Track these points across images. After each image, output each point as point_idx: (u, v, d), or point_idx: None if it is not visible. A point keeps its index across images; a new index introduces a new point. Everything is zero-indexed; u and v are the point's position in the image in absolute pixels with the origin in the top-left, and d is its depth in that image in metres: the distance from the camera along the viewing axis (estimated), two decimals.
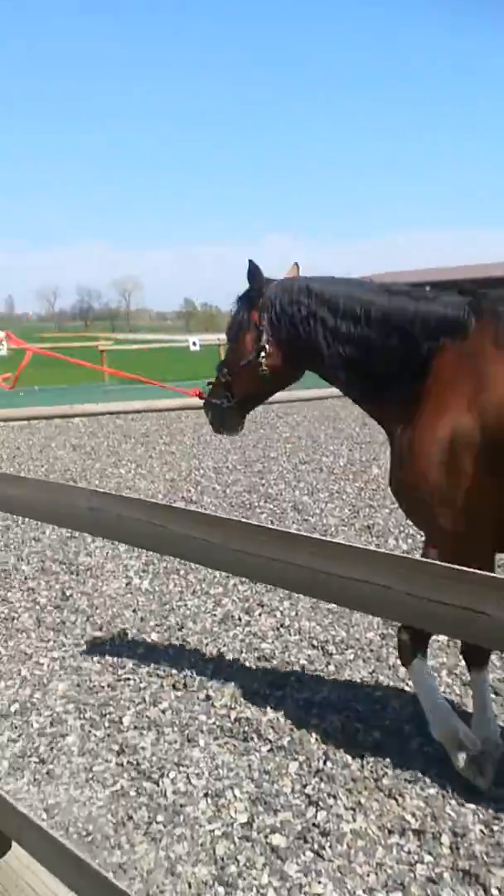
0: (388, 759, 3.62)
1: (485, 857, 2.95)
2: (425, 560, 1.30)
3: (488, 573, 1.23)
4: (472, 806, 3.26)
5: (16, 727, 4.10)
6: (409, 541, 7.00)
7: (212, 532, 1.50)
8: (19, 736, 4.02)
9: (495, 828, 3.13)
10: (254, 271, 3.80)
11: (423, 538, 3.46)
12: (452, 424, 3.16)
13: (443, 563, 1.24)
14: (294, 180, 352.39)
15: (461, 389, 3.20)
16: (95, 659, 4.85)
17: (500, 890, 2.78)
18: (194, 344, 22.90)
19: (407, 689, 4.29)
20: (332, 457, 11.38)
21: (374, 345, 3.46)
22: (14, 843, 2.31)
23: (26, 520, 8.03)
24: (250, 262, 3.81)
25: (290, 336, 3.68)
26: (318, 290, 3.61)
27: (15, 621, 5.50)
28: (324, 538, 1.40)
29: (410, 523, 7.53)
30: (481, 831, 3.11)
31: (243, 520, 1.50)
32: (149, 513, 1.64)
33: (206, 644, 4.97)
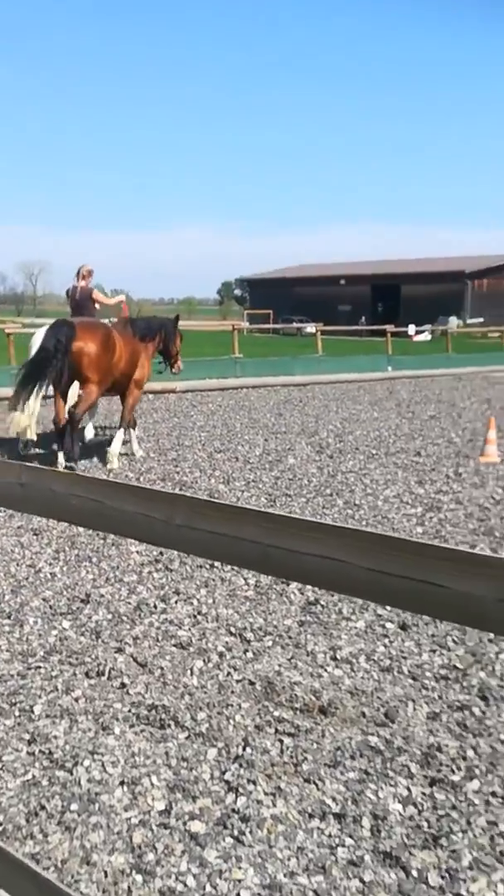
0: (307, 745, 3.61)
1: (405, 840, 2.96)
2: (384, 534, 1.26)
3: (444, 546, 1.20)
4: (392, 789, 3.27)
5: None
6: None
7: (154, 507, 1.43)
8: None
9: (416, 810, 3.15)
10: None
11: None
12: None
13: (400, 537, 1.22)
14: (211, 166, 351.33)
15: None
16: (4, 647, 4.70)
17: (420, 871, 2.79)
18: None
19: (325, 673, 4.30)
20: (248, 446, 11.37)
21: None
22: None
23: None
24: None
25: None
26: None
27: None
28: (274, 512, 1.35)
29: (328, 511, 7.65)
30: (401, 813, 3.12)
31: (188, 494, 1.45)
32: (84, 487, 1.55)
33: (121, 632, 4.87)
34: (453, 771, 3.38)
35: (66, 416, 9.49)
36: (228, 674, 4.33)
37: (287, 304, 64.29)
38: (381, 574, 1.20)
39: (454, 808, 3.14)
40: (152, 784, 3.33)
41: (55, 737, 3.71)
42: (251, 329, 44.26)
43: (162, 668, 4.38)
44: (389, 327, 28.87)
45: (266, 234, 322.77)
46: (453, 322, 50.86)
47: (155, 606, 5.29)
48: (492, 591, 1.14)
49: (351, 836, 2.98)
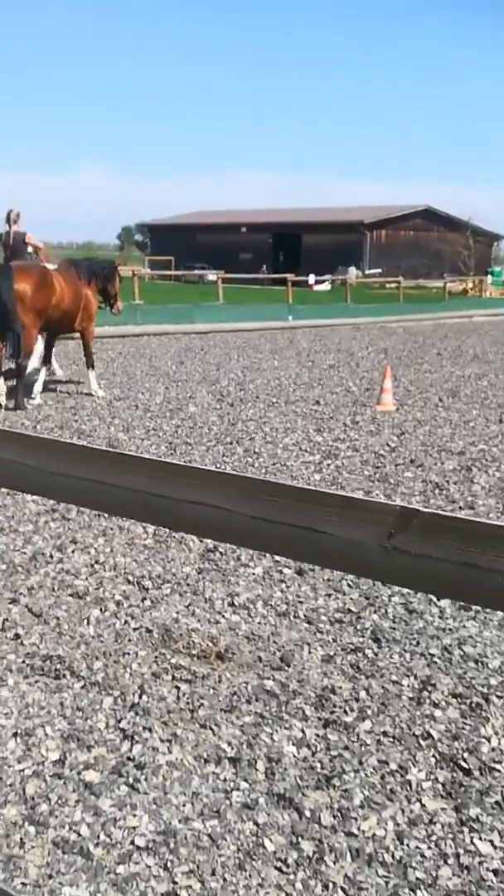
0: (203, 691, 3.62)
1: (299, 781, 3.01)
2: (266, 480, 1.22)
3: (327, 491, 1.18)
4: (287, 732, 3.31)
5: None
6: None
7: (27, 454, 1.35)
8: None
9: (310, 751, 3.20)
10: None
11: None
12: None
13: (283, 483, 1.18)
14: (109, 104, 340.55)
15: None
16: None
17: (313, 812, 2.84)
18: None
19: (223, 619, 4.31)
20: (149, 394, 11.24)
21: None
22: None
23: None
24: None
25: None
26: None
27: None
28: (157, 459, 1.30)
29: (228, 459, 7.63)
30: (295, 755, 3.17)
31: (66, 440, 1.39)
32: None
33: (15, 583, 4.77)
34: (346, 712, 3.44)
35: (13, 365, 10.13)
36: (125, 622, 4.29)
37: (188, 251, 63.32)
38: (265, 521, 1.16)
39: (346, 748, 3.20)
40: (46, 734, 3.29)
41: None
42: (153, 276, 43.61)
43: (58, 618, 4.32)
44: (290, 276, 28.84)
45: (166, 178, 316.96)
46: (352, 272, 51.14)
47: (51, 556, 5.20)
48: (373, 537, 1.12)
49: (246, 780, 3.01)
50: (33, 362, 11.22)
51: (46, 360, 11.09)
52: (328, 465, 7.52)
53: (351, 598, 4.60)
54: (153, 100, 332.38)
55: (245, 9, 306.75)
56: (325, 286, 45.10)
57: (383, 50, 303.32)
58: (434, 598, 4.55)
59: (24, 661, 3.87)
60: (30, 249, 11.68)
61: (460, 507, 6.27)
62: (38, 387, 10.61)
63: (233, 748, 3.20)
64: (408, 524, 1.12)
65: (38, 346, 11.21)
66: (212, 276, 36.12)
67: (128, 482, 1.23)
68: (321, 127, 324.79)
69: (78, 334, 11.38)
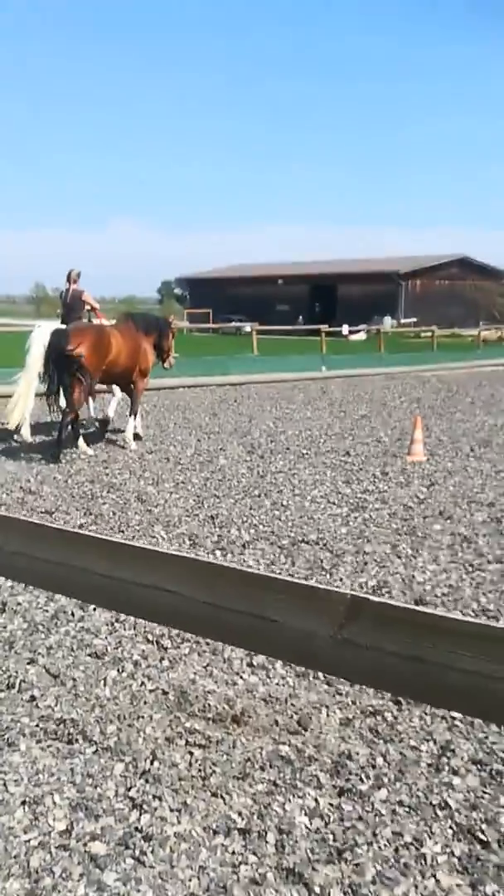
0: (217, 756, 3.53)
1: (310, 854, 2.90)
2: (216, 563, 1.18)
3: (278, 576, 1.13)
4: (300, 801, 3.21)
5: None
6: (252, 531, 6.96)
7: None
8: None
9: (323, 822, 3.09)
10: None
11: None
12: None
13: (233, 567, 1.13)
14: (143, 160, 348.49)
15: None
16: None
17: (322, 888, 2.74)
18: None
19: (240, 680, 4.23)
20: (180, 447, 11.26)
21: None
22: None
23: None
24: None
25: None
26: None
27: None
28: (112, 539, 1.27)
29: (255, 512, 7.58)
30: (307, 826, 3.06)
31: (27, 519, 1.36)
32: None
33: (34, 642, 4.74)
34: (362, 780, 3.34)
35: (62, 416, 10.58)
36: (142, 683, 4.23)
37: (227, 304, 64.06)
38: (217, 608, 1.12)
39: (360, 819, 3.09)
40: (54, 803, 3.23)
41: None
42: (191, 329, 44.13)
43: (74, 680, 4.27)
44: (324, 327, 28.99)
45: (195, 233, 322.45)
46: (387, 322, 51.28)
47: (72, 614, 5.16)
48: (323, 627, 1.07)
49: (255, 853, 2.92)
50: (108, 412, 12.20)
51: (133, 409, 11.45)
52: (355, 517, 7.44)
53: None
54: (177, 155, 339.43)
55: (267, 61, 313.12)
56: (361, 336, 45.25)
57: (410, 99, 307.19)
58: None
59: (37, 725, 3.82)
60: (87, 308, 12.10)
61: (489, 562, 6.14)
62: (128, 434, 11.26)
63: (243, 818, 3.11)
64: (358, 614, 1.06)
65: (116, 396, 12.21)
66: (248, 327, 36.41)
67: (85, 563, 1.20)
68: (356, 178, 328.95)
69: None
